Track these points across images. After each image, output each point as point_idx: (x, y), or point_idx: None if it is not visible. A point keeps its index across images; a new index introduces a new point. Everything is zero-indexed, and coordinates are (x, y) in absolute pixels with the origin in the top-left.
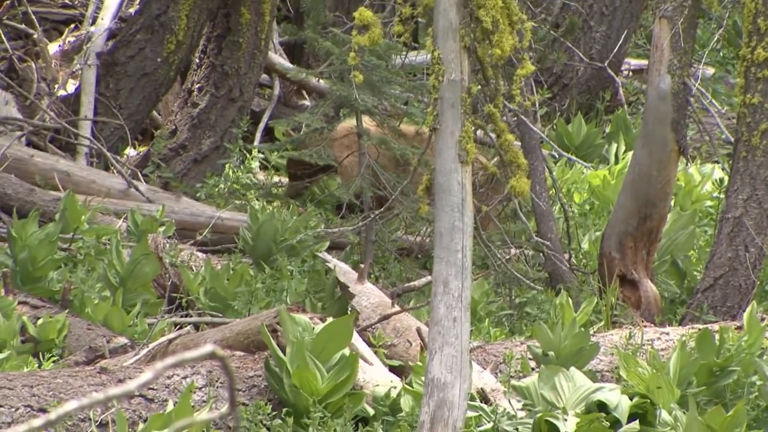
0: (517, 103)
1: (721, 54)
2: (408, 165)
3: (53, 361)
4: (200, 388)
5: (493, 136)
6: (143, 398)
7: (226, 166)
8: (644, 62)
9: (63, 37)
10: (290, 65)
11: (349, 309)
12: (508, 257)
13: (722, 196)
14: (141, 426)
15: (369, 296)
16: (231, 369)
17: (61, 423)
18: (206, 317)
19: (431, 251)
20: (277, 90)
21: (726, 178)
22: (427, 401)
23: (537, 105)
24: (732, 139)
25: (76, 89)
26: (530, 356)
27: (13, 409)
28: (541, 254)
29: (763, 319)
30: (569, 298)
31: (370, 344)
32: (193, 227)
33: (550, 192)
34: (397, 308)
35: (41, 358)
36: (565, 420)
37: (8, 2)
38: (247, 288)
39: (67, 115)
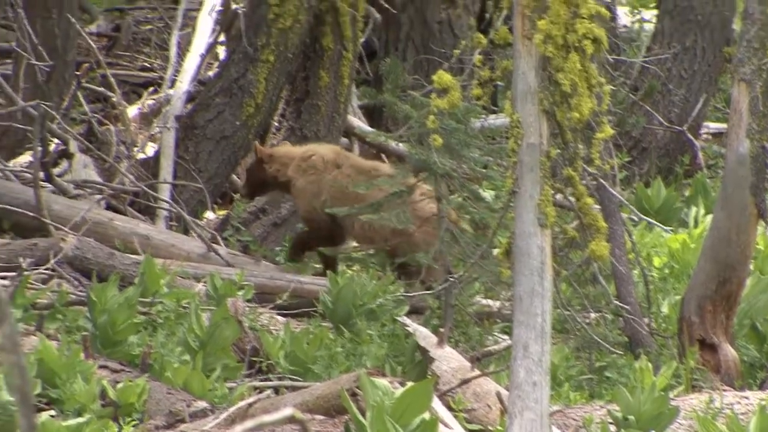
0: (597, 166)
1: None
2: (486, 228)
3: (133, 426)
4: None
5: (572, 199)
6: None
7: None
8: (723, 126)
9: (142, 100)
10: (369, 128)
11: (429, 373)
12: (587, 321)
13: None
14: None
15: (449, 360)
16: None
17: None
18: (286, 381)
19: (511, 315)
20: (357, 153)
21: None
22: None
23: (616, 168)
24: None
25: (155, 152)
26: (610, 420)
27: None
28: (621, 318)
29: None
30: (649, 362)
31: (450, 408)
32: (272, 291)
33: (630, 256)
34: (476, 372)
35: (121, 423)
36: None
37: (88, 65)
38: (326, 352)
39: (146, 178)
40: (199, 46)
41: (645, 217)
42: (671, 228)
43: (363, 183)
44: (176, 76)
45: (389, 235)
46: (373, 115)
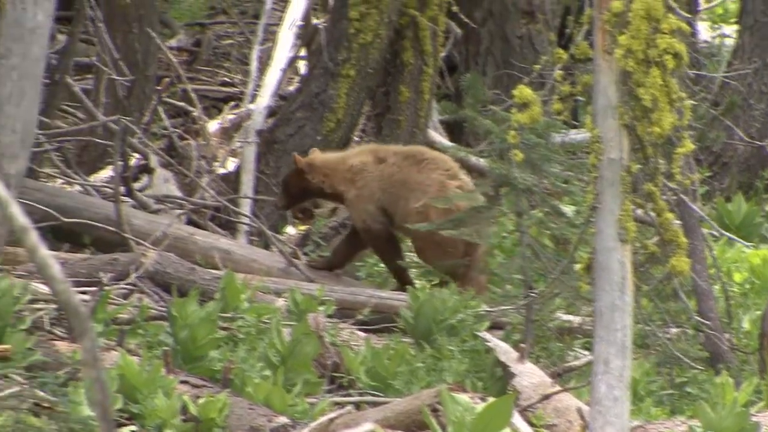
0: (677, 181)
1: None
2: (567, 243)
3: None
4: None
5: (653, 214)
6: None
7: None
8: None
9: (223, 114)
10: (450, 143)
11: (510, 389)
12: (668, 336)
13: None
14: None
15: (529, 376)
16: None
17: None
18: (367, 396)
19: (592, 330)
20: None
21: None
22: None
23: (697, 184)
24: None
25: (236, 167)
26: None
27: None
28: (702, 333)
29: None
30: (730, 378)
31: (530, 424)
32: (353, 306)
33: (710, 271)
34: (557, 388)
35: None
36: None
37: (168, 80)
38: (407, 367)
39: (227, 193)
40: (279, 60)
41: (725, 233)
42: (752, 243)
43: (413, 168)
44: (257, 90)
45: (414, 213)
46: (453, 130)
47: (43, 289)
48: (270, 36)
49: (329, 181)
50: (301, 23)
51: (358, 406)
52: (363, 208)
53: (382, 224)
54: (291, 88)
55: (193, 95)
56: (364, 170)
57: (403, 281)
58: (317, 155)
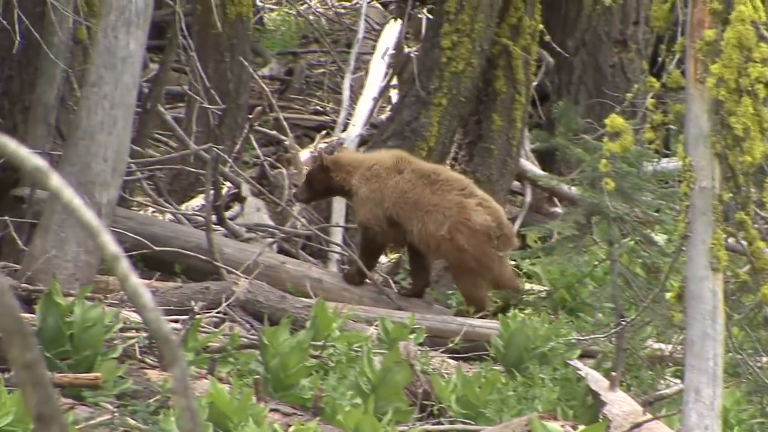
0: None
1: None
2: (658, 272)
3: None
4: None
5: (744, 243)
6: None
7: None
8: None
9: (314, 143)
10: (541, 172)
11: (601, 417)
12: (759, 365)
13: None
14: None
15: (620, 404)
16: None
17: None
18: (458, 425)
19: (683, 359)
20: (529, 197)
21: None
22: None
23: None
24: None
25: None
26: None
27: None
28: None
29: None
30: None
31: None
32: (444, 334)
33: None
34: (648, 416)
35: None
36: None
37: (260, 109)
38: (498, 395)
39: (318, 221)
40: (371, 89)
41: None
42: None
43: (426, 189)
44: (349, 119)
45: (441, 240)
46: (545, 158)
47: (135, 317)
48: (362, 65)
49: (349, 178)
50: (393, 52)
51: None
52: (370, 209)
53: (382, 230)
54: (383, 116)
55: (284, 124)
56: (381, 174)
57: (360, 270)
58: (344, 154)
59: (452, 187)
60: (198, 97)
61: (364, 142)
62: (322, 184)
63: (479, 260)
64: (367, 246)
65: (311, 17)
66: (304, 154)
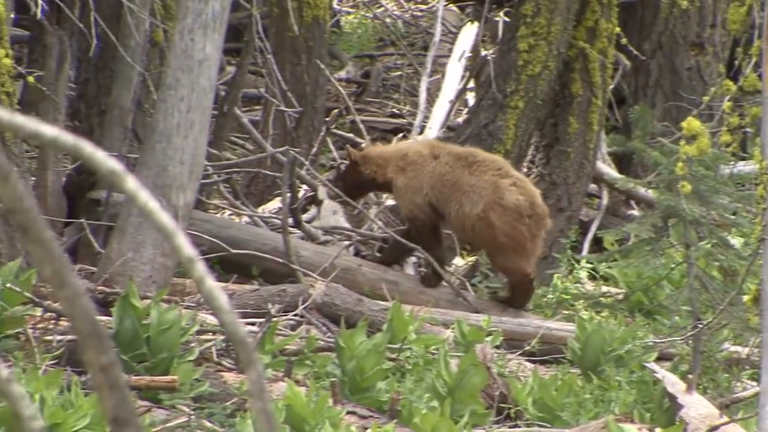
0: None
1: None
2: (735, 275)
3: None
4: None
5: None
6: None
7: (555, 276)
8: None
9: None
10: (618, 175)
11: (677, 420)
12: None
13: None
14: None
15: (697, 407)
16: None
17: None
18: (534, 427)
19: (759, 362)
20: (605, 200)
21: None
22: None
23: None
24: None
25: None
26: None
27: None
28: None
29: None
30: None
31: None
32: (520, 337)
33: None
34: (725, 419)
35: None
36: None
37: (337, 111)
38: (575, 398)
39: (394, 224)
40: (448, 92)
41: None
42: None
43: (464, 170)
44: (425, 122)
45: (475, 220)
46: (622, 161)
47: (211, 320)
48: (439, 68)
49: (381, 171)
50: (470, 55)
51: None
52: (410, 197)
53: (427, 215)
54: (459, 119)
55: (361, 126)
56: (416, 162)
57: (435, 271)
58: (373, 148)
59: (488, 167)
60: (275, 100)
61: None
62: (354, 180)
63: (510, 236)
64: (420, 236)
65: (388, 20)
66: None
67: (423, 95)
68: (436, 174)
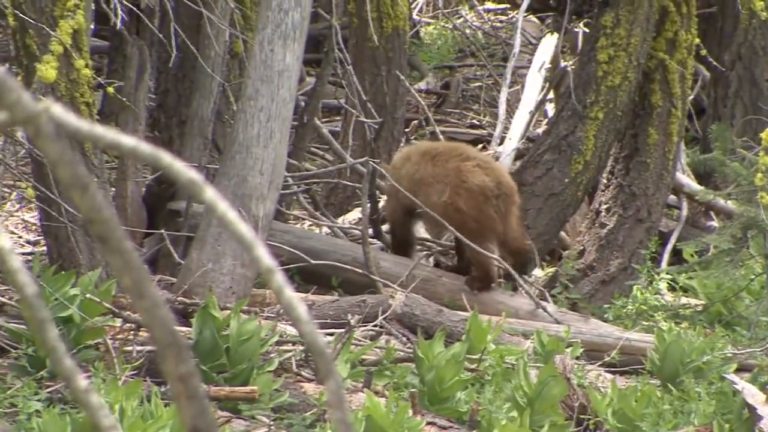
0: None
1: None
2: None
3: None
4: None
5: None
6: None
7: (634, 287)
8: None
9: None
10: (698, 186)
11: (756, 431)
12: None
13: None
14: None
15: None
16: None
17: None
18: None
19: None
20: (685, 210)
21: None
22: None
23: None
24: None
25: None
26: None
27: None
28: None
29: None
30: None
31: None
32: (600, 348)
33: None
34: None
35: None
36: None
37: (416, 122)
38: (654, 409)
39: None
40: (527, 103)
41: None
42: None
43: (429, 164)
44: (505, 133)
45: (444, 207)
46: (701, 172)
47: (291, 330)
48: (518, 78)
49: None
50: (549, 66)
51: None
52: (389, 203)
53: (401, 224)
54: (539, 130)
55: (441, 137)
56: (393, 167)
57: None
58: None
59: (450, 155)
60: (354, 111)
61: (520, 155)
62: None
63: (478, 220)
64: (392, 236)
65: (467, 31)
66: None
67: (502, 106)
68: (407, 176)
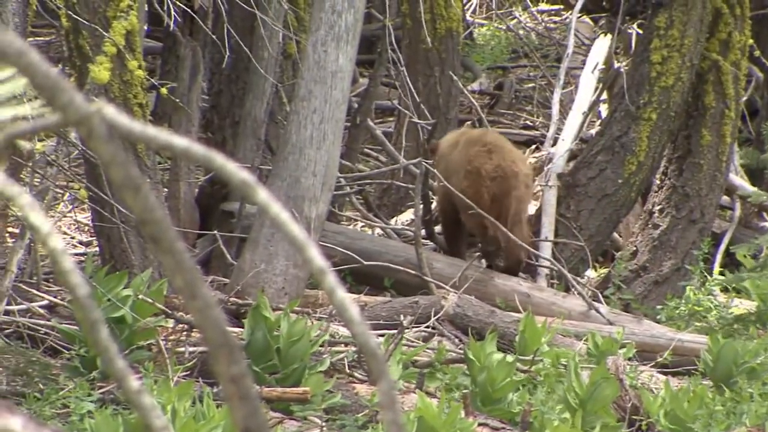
0: None
1: None
2: None
3: None
4: None
5: None
6: None
7: (687, 288)
8: None
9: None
10: (751, 188)
11: None
12: None
13: None
14: None
15: None
16: None
17: None
18: None
19: None
20: (738, 212)
21: None
22: None
23: None
24: None
25: (536, 210)
26: None
27: None
28: None
29: None
30: None
31: None
32: (653, 349)
33: None
34: None
35: None
36: None
37: (469, 123)
38: (706, 410)
39: (528, 236)
40: (581, 104)
41: None
42: None
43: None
44: (558, 134)
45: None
46: (754, 173)
47: (343, 331)
48: (571, 79)
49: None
50: (603, 67)
51: None
52: (438, 196)
53: (450, 216)
54: (592, 131)
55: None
56: (443, 153)
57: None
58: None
59: (473, 143)
60: (407, 112)
61: (573, 156)
62: None
63: (472, 198)
64: (443, 227)
65: (521, 32)
66: None
67: (556, 107)
68: (452, 162)
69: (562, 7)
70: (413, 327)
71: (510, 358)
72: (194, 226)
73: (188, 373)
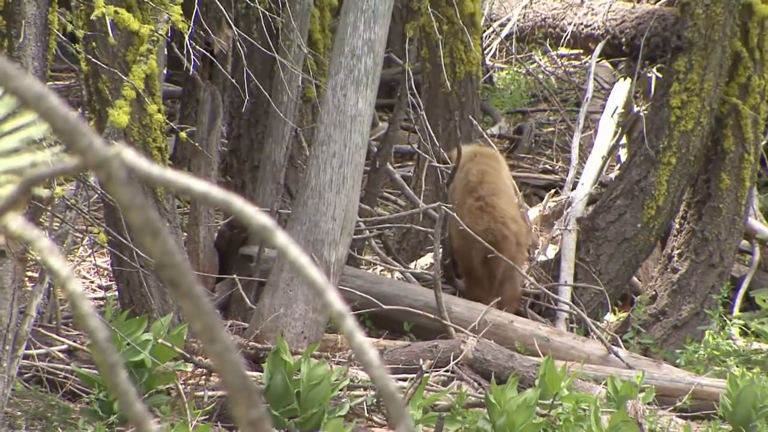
0: None
1: None
2: None
3: None
4: None
5: None
6: None
7: (706, 332)
8: None
9: (544, 202)
10: None
11: None
12: None
13: None
14: None
15: None
16: None
17: None
18: None
19: None
20: (757, 256)
21: None
22: None
23: None
24: None
25: (555, 254)
26: None
27: None
28: None
29: None
30: None
31: None
32: (672, 393)
33: None
34: None
35: None
36: None
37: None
38: None
39: (547, 280)
40: (600, 148)
41: None
42: None
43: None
44: (577, 178)
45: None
46: None
47: (362, 375)
48: (591, 123)
49: None
50: (622, 111)
51: None
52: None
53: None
54: (611, 175)
55: (513, 183)
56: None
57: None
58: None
59: (473, 188)
60: (427, 156)
61: (592, 200)
62: None
63: (462, 256)
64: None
65: (540, 76)
66: (533, 213)
67: (575, 151)
68: (464, 176)
69: (581, 51)
70: (433, 371)
71: (531, 396)
72: (213, 270)
73: (207, 417)
